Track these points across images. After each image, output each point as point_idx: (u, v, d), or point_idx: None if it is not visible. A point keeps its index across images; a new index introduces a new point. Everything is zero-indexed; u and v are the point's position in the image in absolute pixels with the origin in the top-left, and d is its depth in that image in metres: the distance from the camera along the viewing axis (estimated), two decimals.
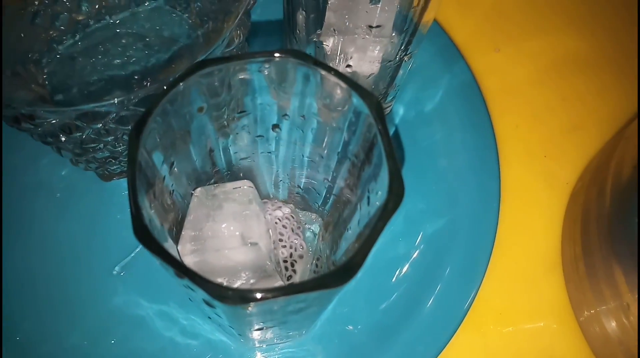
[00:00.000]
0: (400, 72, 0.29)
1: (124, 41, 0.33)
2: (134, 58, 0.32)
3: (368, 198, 0.20)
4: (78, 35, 0.33)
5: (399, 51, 0.27)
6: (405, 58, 0.28)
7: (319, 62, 0.18)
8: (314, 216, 0.27)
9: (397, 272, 0.30)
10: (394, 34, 0.26)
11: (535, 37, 0.39)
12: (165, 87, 0.17)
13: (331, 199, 0.25)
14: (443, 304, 0.29)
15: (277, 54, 0.18)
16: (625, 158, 0.28)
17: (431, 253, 0.30)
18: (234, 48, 0.25)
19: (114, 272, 0.28)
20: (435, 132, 0.34)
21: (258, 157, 0.24)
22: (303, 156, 0.24)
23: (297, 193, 0.27)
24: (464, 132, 0.34)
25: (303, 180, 0.26)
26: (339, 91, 0.19)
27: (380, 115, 0.18)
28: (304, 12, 0.26)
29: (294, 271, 0.25)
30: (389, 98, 0.32)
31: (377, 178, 0.18)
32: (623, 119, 0.36)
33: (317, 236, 0.26)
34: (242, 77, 0.19)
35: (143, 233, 0.14)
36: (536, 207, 0.33)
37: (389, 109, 0.33)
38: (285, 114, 0.22)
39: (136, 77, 0.29)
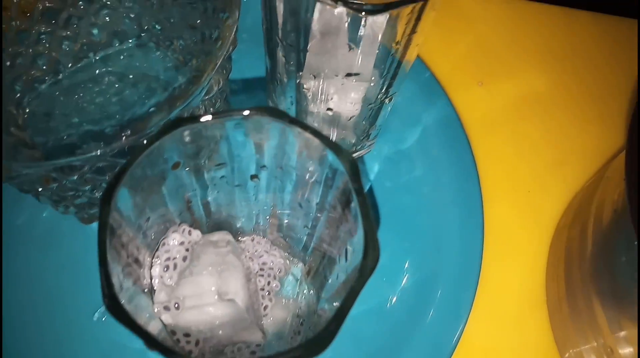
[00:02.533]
0: (382, 113, 0.29)
1: (106, 80, 0.33)
2: (115, 98, 0.32)
3: (346, 252, 0.20)
4: (60, 75, 0.33)
5: (379, 93, 0.27)
6: (387, 100, 0.28)
7: (294, 120, 0.18)
8: (295, 260, 0.26)
9: (381, 312, 0.29)
10: (373, 78, 0.26)
11: (519, 71, 0.39)
12: (144, 141, 0.17)
13: (311, 246, 0.24)
14: (427, 345, 0.28)
15: (253, 112, 0.18)
16: (605, 200, 0.28)
17: (414, 293, 0.30)
18: (213, 96, 0.25)
19: (94, 318, 0.27)
20: (417, 169, 0.34)
21: (236, 205, 0.24)
22: (283, 203, 0.24)
23: (278, 236, 0.27)
24: (446, 169, 0.34)
25: (284, 225, 0.26)
26: (314, 148, 0.19)
27: (355, 173, 0.18)
28: (283, 57, 0.26)
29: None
30: (371, 137, 0.32)
31: (354, 235, 0.18)
32: (607, 153, 0.36)
33: (298, 281, 0.26)
34: (218, 133, 0.19)
35: (114, 307, 0.14)
36: (521, 244, 0.33)
37: (371, 147, 0.33)
38: (264, 166, 0.22)
39: (115, 125, 0.28)
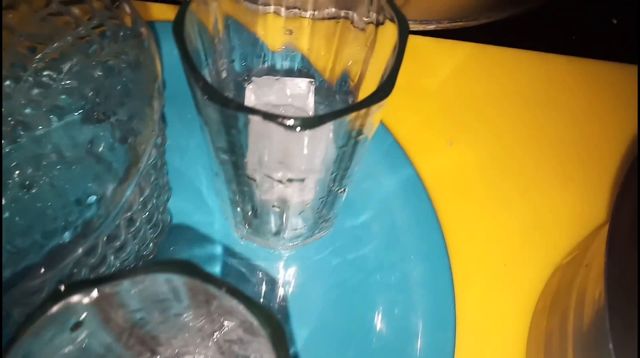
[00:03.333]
0: (338, 200, 0.26)
1: (44, 163, 0.30)
2: (51, 185, 0.29)
3: None
4: None
5: (332, 186, 0.24)
6: (340, 192, 0.25)
7: (210, 277, 0.15)
8: None
9: None
10: (321, 176, 0.23)
11: (493, 127, 0.37)
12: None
13: None
14: None
15: (151, 270, 0.15)
16: (586, 292, 0.25)
17: None
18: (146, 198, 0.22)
19: None
20: (380, 247, 0.31)
21: None
22: None
23: None
24: (411, 244, 0.31)
25: None
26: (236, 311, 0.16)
27: (280, 341, 0.15)
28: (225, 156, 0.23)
29: None
30: (329, 221, 0.29)
31: None
32: (592, 219, 0.34)
33: None
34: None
35: None
36: (497, 326, 0.30)
37: (329, 229, 0.30)
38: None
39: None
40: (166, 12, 0.38)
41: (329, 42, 0.26)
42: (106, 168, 0.20)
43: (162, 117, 0.25)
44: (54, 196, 0.18)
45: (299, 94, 0.28)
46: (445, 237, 0.31)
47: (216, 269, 0.30)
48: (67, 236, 0.18)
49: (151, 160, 0.22)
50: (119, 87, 0.22)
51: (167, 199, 0.30)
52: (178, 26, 0.19)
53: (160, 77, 0.23)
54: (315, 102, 0.28)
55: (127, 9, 0.23)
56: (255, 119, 0.18)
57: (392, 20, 0.21)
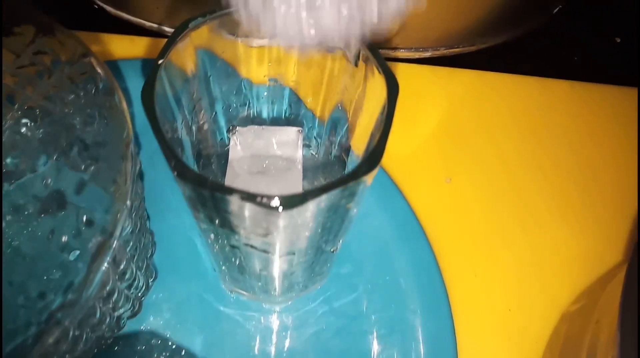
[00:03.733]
0: (331, 257, 0.25)
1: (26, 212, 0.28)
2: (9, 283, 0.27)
3: None
4: None
5: (323, 248, 0.23)
6: (333, 250, 0.24)
7: None
8: None
9: None
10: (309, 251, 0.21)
11: (495, 162, 0.35)
12: None
13: None
14: None
15: None
16: (597, 353, 0.23)
17: None
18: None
19: None
20: (376, 295, 0.29)
21: None
22: None
23: None
24: (410, 291, 0.29)
25: None
26: None
27: None
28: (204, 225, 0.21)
29: None
30: (322, 274, 0.27)
31: None
32: (598, 256, 0.32)
33: None
34: None
35: None
36: None
37: (323, 280, 0.29)
38: None
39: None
40: (151, 48, 0.37)
41: (317, 83, 0.25)
42: (72, 256, 0.18)
43: (140, 175, 0.24)
44: (12, 294, 0.16)
45: (286, 142, 0.26)
46: (445, 281, 0.29)
47: (204, 319, 0.29)
48: (32, 331, 0.17)
49: (125, 231, 0.20)
50: (84, 153, 0.20)
51: (151, 255, 0.28)
52: (147, 94, 0.17)
53: (131, 136, 0.21)
54: (305, 146, 0.26)
55: (94, 61, 0.21)
56: (233, 199, 0.17)
57: (380, 74, 0.19)
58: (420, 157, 0.34)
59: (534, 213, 0.33)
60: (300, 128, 0.25)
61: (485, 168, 0.34)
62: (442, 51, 0.39)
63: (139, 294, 0.27)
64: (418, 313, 0.29)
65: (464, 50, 0.39)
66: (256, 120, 0.26)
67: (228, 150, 0.27)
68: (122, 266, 0.21)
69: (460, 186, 0.34)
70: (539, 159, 0.35)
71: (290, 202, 0.16)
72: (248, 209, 0.17)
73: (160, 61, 0.18)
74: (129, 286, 0.24)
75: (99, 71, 0.21)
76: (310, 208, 0.17)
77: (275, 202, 0.16)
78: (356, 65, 0.20)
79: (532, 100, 0.37)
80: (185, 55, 0.20)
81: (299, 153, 0.25)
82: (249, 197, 0.16)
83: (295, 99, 0.26)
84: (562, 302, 0.31)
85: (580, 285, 0.31)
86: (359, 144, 0.22)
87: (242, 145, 0.25)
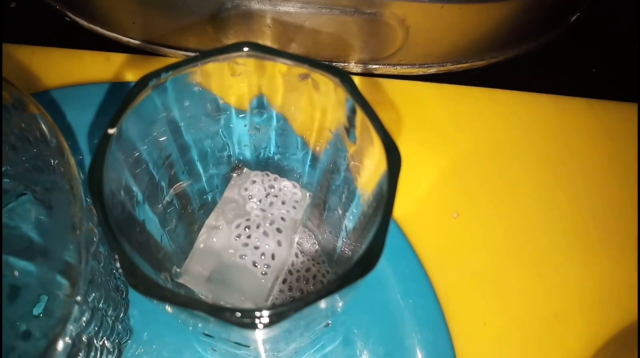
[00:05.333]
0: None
1: None
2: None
3: None
4: None
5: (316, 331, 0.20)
6: (327, 326, 0.21)
7: None
8: None
9: None
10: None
11: (503, 191, 0.32)
12: None
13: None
14: None
15: None
16: None
17: None
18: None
19: None
20: (377, 350, 0.27)
21: None
22: None
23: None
24: (414, 345, 0.27)
25: None
26: None
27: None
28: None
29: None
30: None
31: None
32: (623, 309, 0.29)
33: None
34: None
35: None
36: None
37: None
38: None
39: None
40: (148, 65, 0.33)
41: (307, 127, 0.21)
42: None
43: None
44: None
45: (289, 200, 0.23)
46: (451, 331, 0.27)
47: None
48: None
49: (82, 317, 0.17)
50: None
51: (125, 312, 0.25)
52: (94, 185, 0.14)
53: (81, 202, 0.18)
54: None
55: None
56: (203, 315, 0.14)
57: (380, 145, 0.16)
58: (423, 189, 0.31)
59: (546, 252, 0.30)
60: (310, 193, 0.22)
61: (496, 201, 0.31)
62: (449, 67, 0.35)
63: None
64: None
65: (472, 65, 0.35)
66: (237, 165, 0.23)
67: (207, 198, 0.24)
68: (82, 343, 0.18)
69: (468, 221, 0.31)
70: (554, 191, 0.32)
71: (268, 321, 0.13)
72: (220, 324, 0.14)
73: (111, 130, 0.15)
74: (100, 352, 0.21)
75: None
76: (288, 323, 0.14)
77: (248, 321, 0.13)
78: (351, 124, 0.17)
79: (548, 121, 0.34)
80: (147, 113, 0.17)
81: (300, 216, 0.22)
82: (218, 312, 0.13)
83: (282, 143, 0.23)
84: (580, 355, 0.28)
85: (600, 339, 0.28)
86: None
87: (248, 189, 0.22)
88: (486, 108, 0.34)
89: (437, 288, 0.28)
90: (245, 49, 0.15)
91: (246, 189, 0.22)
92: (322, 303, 0.14)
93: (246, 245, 0.21)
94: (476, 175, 0.32)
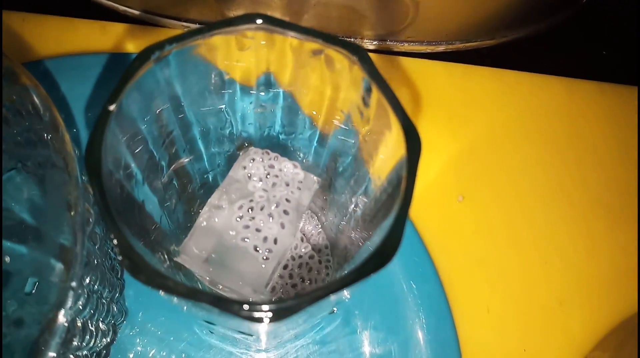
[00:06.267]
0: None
1: None
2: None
3: None
4: None
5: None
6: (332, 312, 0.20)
7: None
8: None
9: None
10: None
11: (512, 178, 0.31)
12: None
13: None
14: None
15: None
16: None
17: None
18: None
19: None
20: (380, 335, 0.26)
21: None
22: None
23: None
24: (416, 331, 0.26)
25: None
26: None
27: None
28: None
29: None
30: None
31: None
32: (622, 292, 0.28)
33: None
34: None
35: None
36: None
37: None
38: None
39: None
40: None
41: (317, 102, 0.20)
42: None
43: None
44: None
45: (297, 183, 0.22)
46: (454, 317, 0.26)
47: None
48: None
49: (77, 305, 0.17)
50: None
51: (120, 293, 0.24)
52: (93, 158, 0.13)
53: (77, 180, 0.17)
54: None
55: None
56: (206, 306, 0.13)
57: (399, 127, 0.15)
58: (427, 170, 0.30)
59: (556, 244, 0.29)
60: (319, 178, 0.21)
61: (501, 184, 0.30)
62: (457, 45, 0.34)
63: (106, 342, 0.23)
64: (423, 351, 0.26)
65: (481, 45, 0.34)
66: (244, 143, 0.22)
67: (208, 177, 0.23)
68: (78, 328, 0.17)
69: (473, 205, 0.30)
70: (561, 175, 0.31)
71: (277, 315, 0.12)
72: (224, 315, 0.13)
73: (111, 106, 0.14)
74: (93, 335, 0.20)
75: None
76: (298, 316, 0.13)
77: (256, 315, 0.12)
78: (366, 105, 0.16)
79: (557, 103, 0.33)
80: (148, 88, 0.16)
81: (308, 201, 0.21)
82: (224, 303, 0.12)
83: (290, 119, 0.22)
84: (582, 345, 0.27)
85: (604, 328, 0.28)
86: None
87: (247, 168, 0.21)
88: (494, 88, 0.33)
89: (440, 272, 0.27)
90: (259, 21, 0.14)
91: (244, 168, 0.21)
92: (333, 296, 0.13)
93: (248, 227, 0.20)
94: (482, 157, 0.31)
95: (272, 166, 0.21)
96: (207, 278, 0.20)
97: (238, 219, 0.20)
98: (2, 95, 0.18)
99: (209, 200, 0.20)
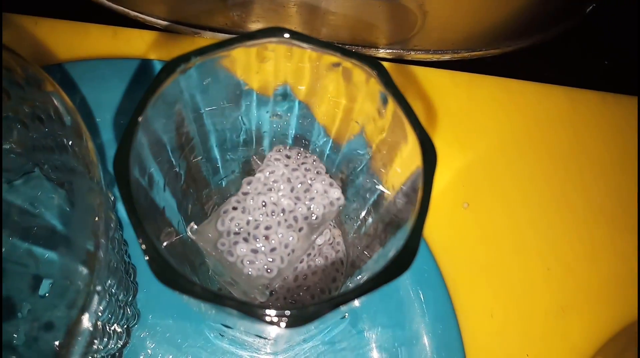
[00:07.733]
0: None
1: None
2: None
3: None
4: None
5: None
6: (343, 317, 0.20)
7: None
8: None
9: None
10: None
11: (516, 186, 0.31)
12: None
13: None
14: None
15: None
16: None
17: None
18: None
19: None
20: (387, 337, 0.27)
21: None
22: None
23: None
24: (420, 332, 0.27)
25: None
26: None
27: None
28: None
29: None
30: None
31: None
32: (624, 299, 0.29)
33: None
34: None
35: None
36: None
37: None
38: None
39: None
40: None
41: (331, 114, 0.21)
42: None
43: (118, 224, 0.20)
44: None
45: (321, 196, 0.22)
46: (459, 320, 0.27)
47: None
48: None
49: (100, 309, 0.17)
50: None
51: (134, 296, 0.25)
52: (122, 166, 0.14)
53: (100, 187, 0.17)
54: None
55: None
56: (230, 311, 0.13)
57: (414, 139, 0.15)
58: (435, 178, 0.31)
59: (559, 250, 0.30)
60: (344, 200, 0.21)
61: (506, 192, 0.31)
62: (463, 54, 0.35)
63: (119, 345, 0.24)
64: (429, 355, 0.26)
65: (486, 54, 0.35)
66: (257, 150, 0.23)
67: (222, 183, 0.24)
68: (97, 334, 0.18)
69: (478, 212, 0.30)
70: (564, 183, 0.32)
71: (296, 320, 0.13)
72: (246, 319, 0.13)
73: (139, 118, 0.14)
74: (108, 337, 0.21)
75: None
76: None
77: (280, 321, 0.13)
78: (381, 116, 0.17)
79: (560, 113, 0.34)
80: (172, 98, 0.16)
81: (332, 218, 0.21)
82: (248, 308, 0.13)
83: (305, 127, 0.22)
84: (584, 353, 0.28)
85: (605, 334, 0.28)
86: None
87: (272, 167, 0.21)
88: (499, 97, 0.34)
89: (446, 277, 0.28)
90: (286, 35, 0.15)
91: (278, 159, 0.21)
92: (351, 303, 0.13)
93: (267, 228, 0.20)
94: (486, 164, 0.32)
95: (308, 170, 0.21)
96: (213, 261, 0.20)
97: (259, 217, 0.20)
98: (1, 87, 0.18)
99: (233, 197, 0.20)
